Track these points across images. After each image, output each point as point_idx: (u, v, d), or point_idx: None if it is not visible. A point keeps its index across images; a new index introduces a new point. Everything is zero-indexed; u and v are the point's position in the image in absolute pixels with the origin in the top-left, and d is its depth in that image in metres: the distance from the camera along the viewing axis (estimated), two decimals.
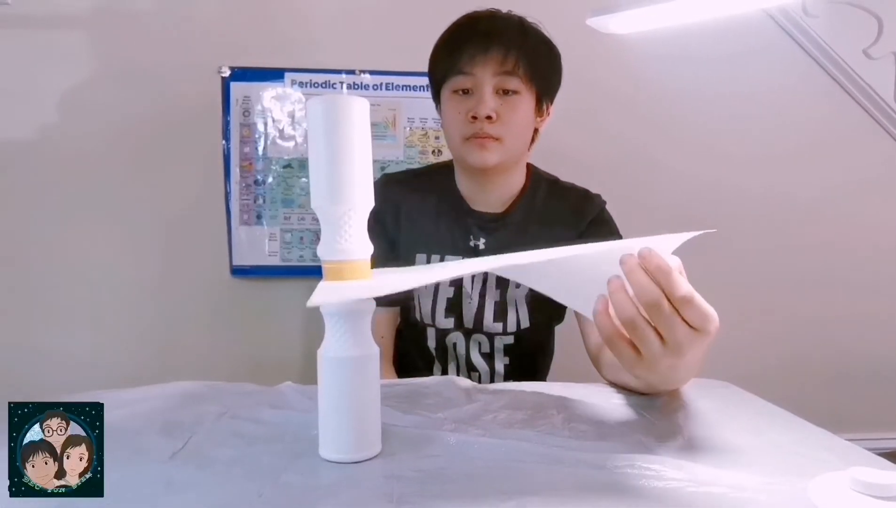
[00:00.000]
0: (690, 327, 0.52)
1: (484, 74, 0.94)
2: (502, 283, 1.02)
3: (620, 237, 1.02)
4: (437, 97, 1.05)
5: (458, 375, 1.04)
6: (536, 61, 0.96)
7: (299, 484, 0.50)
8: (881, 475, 0.45)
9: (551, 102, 1.04)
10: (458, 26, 0.99)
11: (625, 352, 0.54)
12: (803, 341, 1.71)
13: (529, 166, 1.07)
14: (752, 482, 0.51)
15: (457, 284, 1.02)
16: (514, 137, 0.97)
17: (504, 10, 0.99)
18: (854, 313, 1.71)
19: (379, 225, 1.05)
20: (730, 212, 1.66)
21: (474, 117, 0.94)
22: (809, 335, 1.71)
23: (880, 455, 0.57)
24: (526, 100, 0.97)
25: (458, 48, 0.96)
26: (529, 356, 1.07)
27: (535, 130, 1.03)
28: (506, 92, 0.95)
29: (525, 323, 1.02)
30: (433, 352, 1.06)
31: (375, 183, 1.08)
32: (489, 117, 0.93)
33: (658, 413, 0.70)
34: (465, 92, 0.97)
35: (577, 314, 0.98)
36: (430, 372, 1.07)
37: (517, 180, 1.05)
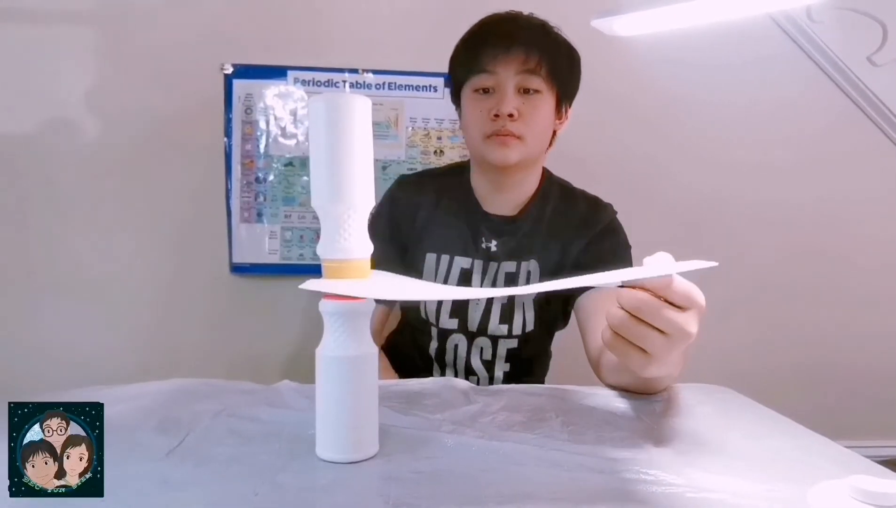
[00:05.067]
0: (682, 309, 0.52)
1: (506, 73, 0.95)
2: (511, 283, 1.02)
3: (629, 247, 1.02)
4: (456, 97, 1.05)
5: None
6: (558, 62, 0.97)
7: (295, 484, 0.50)
8: (881, 483, 0.45)
9: (570, 106, 1.04)
10: (480, 26, 1.00)
11: (633, 356, 0.55)
12: (803, 346, 1.70)
13: (543, 170, 1.08)
14: (751, 488, 0.51)
15: (466, 284, 1.02)
16: (534, 136, 0.97)
17: (515, 12, 1.00)
18: (854, 318, 1.70)
19: (392, 229, 1.05)
20: (732, 217, 1.65)
21: (496, 115, 0.95)
22: (809, 340, 1.70)
23: (879, 462, 0.57)
24: (547, 99, 0.98)
25: (480, 47, 0.96)
26: (529, 362, 1.07)
27: (553, 133, 1.04)
28: (527, 91, 0.96)
29: (530, 326, 1.02)
30: (433, 354, 1.06)
31: (392, 187, 1.09)
32: (511, 115, 0.94)
33: (657, 418, 0.69)
34: (486, 91, 0.97)
35: (578, 319, 0.98)
36: (429, 373, 1.07)
37: (532, 183, 1.05)
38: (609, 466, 0.55)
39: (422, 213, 1.06)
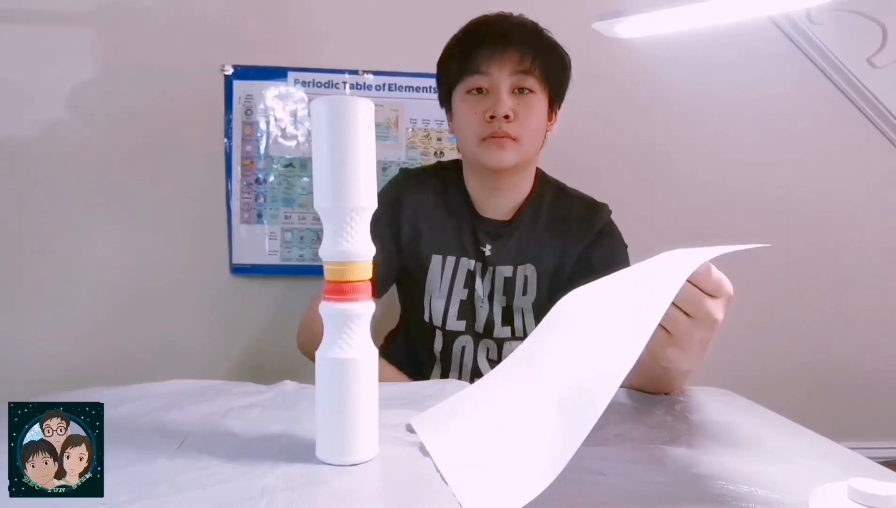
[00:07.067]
0: (711, 296, 0.54)
1: (501, 74, 0.95)
2: (509, 290, 1.02)
3: (626, 247, 1.02)
4: (446, 100, 1.04)
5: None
6: (551, 62, 0.98)
7: (295, 486, 0.50)
8: (880, 486, 0.45)
9: (559, 107, 1.04)
10: (472, 27, 0.99)
11: (657, 333, 0.55)
12: (805, 348, 1.70)
13: (537, 171, 1.07)
14: (753, 491, 0.51)
15: (470, 286, 1.02)
16: (530, 137, 0.97)
17: (506, 13, 0.99)
18: (856, 320, 1.71)
19: (392, 229, 1.03)
20: (731, 220, 1.65)
21: (492, 117, 0.94)
22: (811, 342, 1.70)
23: (883, 463, 0.57)
24: (541, 100, 0.98)
25: (473, 48, 0.96)
26: None
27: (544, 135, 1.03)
28: (521, 91, 0.96)
29: (531, 329, 1.02)
30: (437, 355, 1.06)
31: (395, 181, 1.07)
32: (507, 116, 0.94)
33: (658, 421, 0.69)
34: (480, 92, 0.97)
35: None
36: (430, 374, 1.06)
37: (526, 185, 1.05)
38: (610, 468, 0.55)
39: (423, 211, 1.05)
